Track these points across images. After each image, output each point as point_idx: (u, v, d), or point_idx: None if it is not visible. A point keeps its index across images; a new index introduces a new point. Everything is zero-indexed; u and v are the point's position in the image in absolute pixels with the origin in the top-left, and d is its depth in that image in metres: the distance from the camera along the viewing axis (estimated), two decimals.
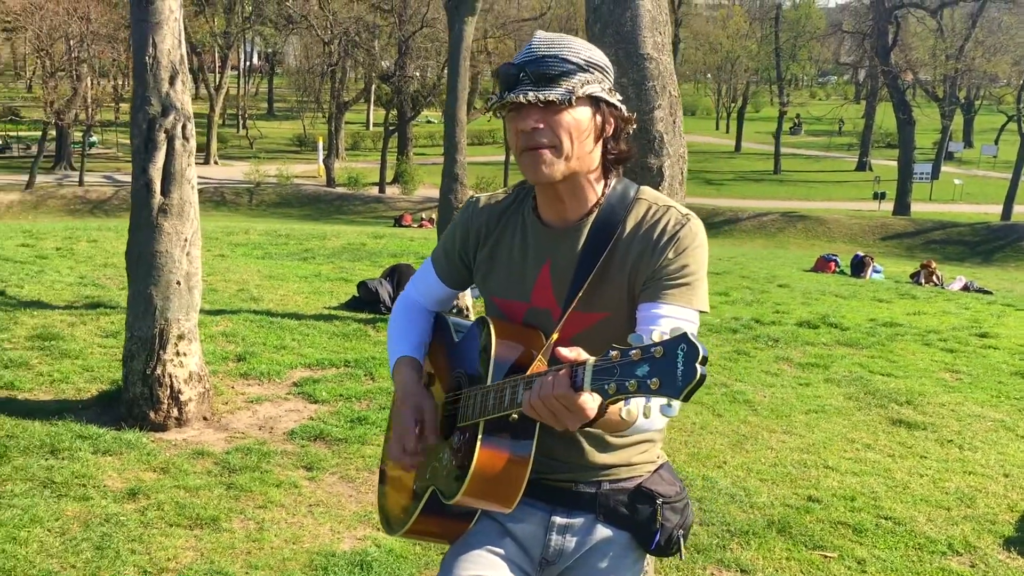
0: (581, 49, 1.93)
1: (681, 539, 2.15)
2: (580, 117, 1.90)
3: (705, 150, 62.63)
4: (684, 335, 1.51)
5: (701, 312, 1.96)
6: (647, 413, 1.53)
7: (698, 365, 1.48)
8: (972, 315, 11.71)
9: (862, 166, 56.12)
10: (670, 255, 1.94)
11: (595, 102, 1.93)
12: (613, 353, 1.58)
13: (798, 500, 4.92)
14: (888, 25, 44.26)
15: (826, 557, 4.29)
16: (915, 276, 18.10)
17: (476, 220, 2.16)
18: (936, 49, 50.75)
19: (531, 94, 1.87)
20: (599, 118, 1.94)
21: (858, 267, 18.60)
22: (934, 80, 53.86)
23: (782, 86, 60.67)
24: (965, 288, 17.00)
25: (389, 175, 47.13)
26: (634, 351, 1.55)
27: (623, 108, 1.98)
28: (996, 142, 59.43)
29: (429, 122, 56.66)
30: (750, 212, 39.23)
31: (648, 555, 2.15)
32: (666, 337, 1.53)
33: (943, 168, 53.05)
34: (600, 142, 1.97)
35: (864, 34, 48.56)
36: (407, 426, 2.07)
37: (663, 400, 1.52)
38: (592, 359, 1.63)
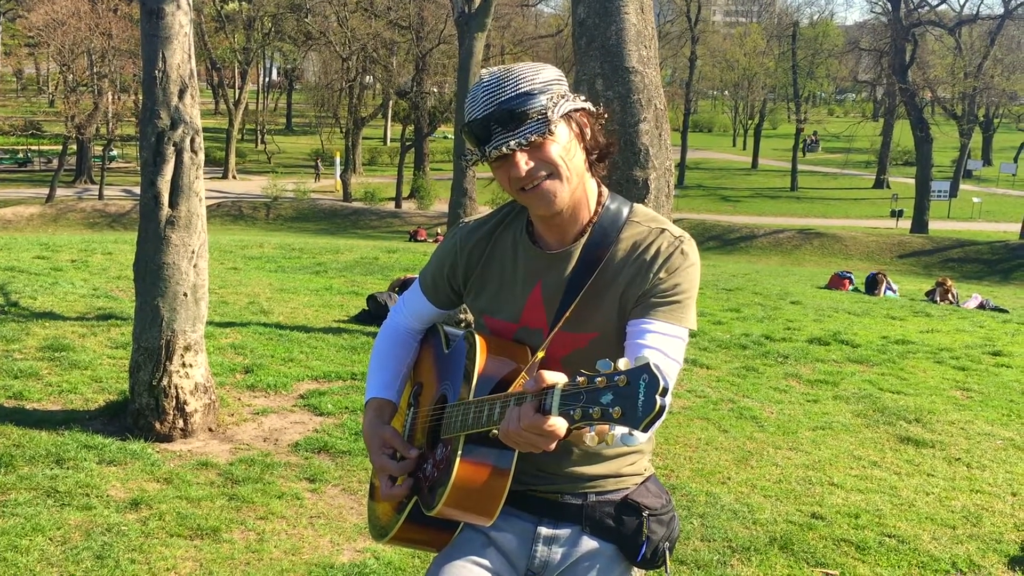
0: (529, 72, 1.92)
1: (667, 552, 2.14)
2: (561, 138, 1.91)
3: (722, 167, 62.59)
4: (647, 365, 1.51)
5: (689, 330, 1.97)
6: (609, 441, 1.53)
7: (658, 396, 1.48)
8: (986, 333, 11.61)
9: (880, 184, 55.93)
10: (662, 275, 1.96)
11: (565, 115, 1.93)
12: (580, 379, 1.58)
13: (802, 517, 4.88)
14: (906, 43, 44.21)
15: (828, 574, 4.26)
16: (930, 294, 17.96)
17: (465, 245, 2.15)
18: (954, 67, 50.64)
19: (511, 142, 1.86)
20: (575, 126, 1.95)
21: (872, 285, 18.48)
22: (952, 98, 53.70)
23: (799, 103, 60.60)
24: (981, 306, 16.85)
25: (405, 190, 47.37)
26: (599, 378, 1.55)
27: (587, 104, 1.97)
28: (1015, 160, 59.15)
29: (446, 137, 56.82)
30: (766, 229, 39.14)
31: (634, 568, 2.15)
32: (631, 366, 1.53)
33: (962, 186, 52.79)
34: (583, 148, 1.98)
35: (882, 52, 48.47)
36: (384, 463, 2.12)
37: (625, 429, 1.52)
38: (561, 383, 1.63)
